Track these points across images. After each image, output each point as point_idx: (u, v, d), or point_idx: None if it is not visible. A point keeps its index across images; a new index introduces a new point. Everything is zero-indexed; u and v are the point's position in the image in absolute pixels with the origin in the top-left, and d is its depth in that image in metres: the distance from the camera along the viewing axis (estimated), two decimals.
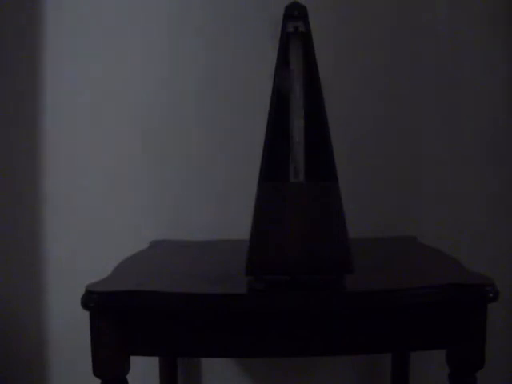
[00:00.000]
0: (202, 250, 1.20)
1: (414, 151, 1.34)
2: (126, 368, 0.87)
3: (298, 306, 0.84)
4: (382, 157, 1.33)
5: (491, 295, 0.84)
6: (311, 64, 0.85)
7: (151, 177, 1.33)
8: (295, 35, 0.85)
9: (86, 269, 1.18)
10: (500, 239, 1.35)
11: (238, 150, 1.32)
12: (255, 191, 0.86)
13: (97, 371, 0.85)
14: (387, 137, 1.33)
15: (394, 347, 0.95)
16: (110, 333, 0.85)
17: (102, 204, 1.33)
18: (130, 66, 1.32)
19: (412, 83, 1.33)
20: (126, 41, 1.32)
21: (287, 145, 0.86)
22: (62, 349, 1.35)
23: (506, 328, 1.34)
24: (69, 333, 1.32)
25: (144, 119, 1.33)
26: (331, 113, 0.88)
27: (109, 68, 1.32)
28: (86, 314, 0.85)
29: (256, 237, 0.86)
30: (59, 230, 1.34)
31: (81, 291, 0.85)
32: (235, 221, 1.28)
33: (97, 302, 0.84)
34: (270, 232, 0.86)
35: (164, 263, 1.10)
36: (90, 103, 1.32)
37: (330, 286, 0.88)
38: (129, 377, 0.87)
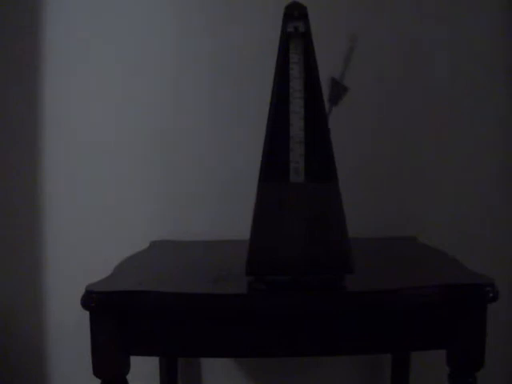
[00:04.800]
0: (202, 250, 1.20)
1: (414, 151, 1.34)
2: (125, 368, 0.87)
3: (298, 306, 0.84)
4: (381, 157, 1.33)
5: (491, 295, 0.84)
6: (311, 64, 0.85)
7: (151, 177, 1.34)
8: (295, 35, 0.85)
9: (86, 269, 1.18)
10: (500, 239, 1.35)
11: (238, 150, 1.32)
12: (255, 191, 0.86)
13: (97, 371, 0.85)
14: (387, 137, 1.33)
15: (394, 347, 0.95)
16: (110, 333, 0.85)
17: (102, 204, 1.33)
18: (135, 60, 1.33)
19: (413, 82, 1.33)
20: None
21: (287, 145, 0.86)
22: (61, 349, 1.35)
23: (506, 328, 1.34)
24: (69, 333, 1.32)
25: (145, 120, 1.33)
26: (331, 113, 0.88)
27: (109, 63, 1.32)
28: (86, 313, 0.85)
29: (256, 237, 0.86)
30: (59, 229, 1.34)
31: (81, 291, 0.85)
32: (235, 221, 1.29)
33: (97, 302, 0.84)
34: (270, 232, 0.86)
35: (164, 263, 1.10)
36: (90, 103, 1.33)
37: (330, 285, 0.88)
38: (129, 377, 0.87)
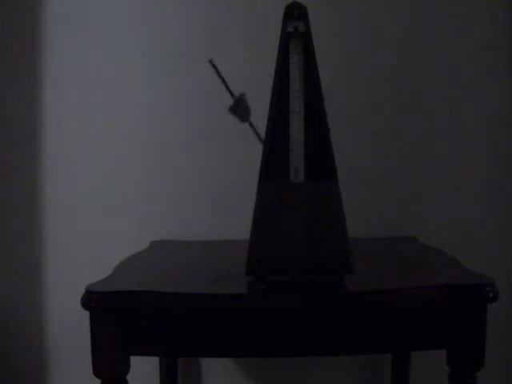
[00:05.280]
0: (201, 250, 1.20)
1: (414, 151, 1.34)
2: (125, 368, 0.87)
3: (298, 306, 0.84)
4: (381, 157, 1.33)
5: (491, 295, 0.84)
6: (311, 64, 0.85)
7: (151, 177, 1.34)
8: (295, 35, 0.85)
9: (86, 269, 1.18)
10: (500, 239, 1.35)
11: (237, 149, 1.32)
12: (255, 191, 0.86)
13: (97, 371, 0.85)
14: (387, 137, 1.33)
15: (394, 347, 0.95)
16: (110, 333, 0.85)
17: (102, 204, 1.33)
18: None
19: (413, 81, 1.33)
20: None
21: (287, 145, 0.86)
22: (61, 349, 1.35)
23: (506, 328, 1.34)
24: (69, 333, 1.32)
25: (145, 121, 1.33)
26: (331, 113, 0.88)
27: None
28: (86, 313, 0.85)
29: (256, 237, 0.86)
30: (59, 229, 1.34)
31: (81, 291, 0.85)
32: (235, 221, 1.28)
33: (97, 302, 0.84)
34: (269, 232, 0.86)
35: (164, 263, 1.10)
36: (90, 103, 1.33)
37: (330, 285, 0.88)
38: (129, 377, 0.87)
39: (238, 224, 1.21)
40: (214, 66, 0.90)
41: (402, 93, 1.33)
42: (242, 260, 0.87)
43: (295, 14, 0.85)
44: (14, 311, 1.34)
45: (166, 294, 0.85)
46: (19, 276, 1.34)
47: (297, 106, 0.86)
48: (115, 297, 0.85)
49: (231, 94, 0.91)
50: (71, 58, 1.32)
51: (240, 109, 0.91)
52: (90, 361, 0.85)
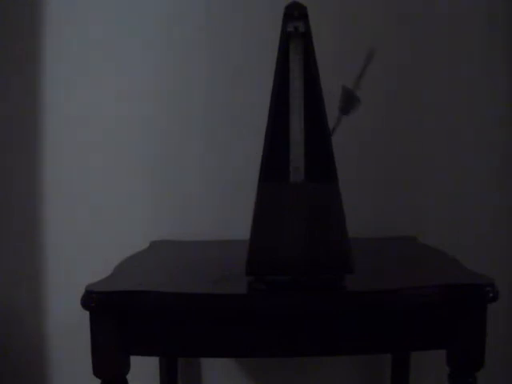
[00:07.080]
0: (202, 250, 1.20)
1: (414, 151, 1.34)
2: (125, 368, 0.87)
3: (298, 306, 0.84)
4: (381, 157, 1.33)
5: (491, 295, 0.84)
6: (311, 64, 0.85)
7: (151, 177, 1.33)
8: (295, 35, 0.85)
9: (86, 269, 1.18)
10: (500, 239, 1.35)
11: (237, 149, 1.32)
12: (255, 191, 0.86)
13: (97, 371, 0.85)
14: (387, 137, 1.33)
15: (394, 347, 0.95)
16: (110, 333, 0.85)
17: (102, 204, 1.33)
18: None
19: (412, 81, 1.33)
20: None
21: (287, 145, 0.86)
22: (61, 349, 1.35)
23: (506, 328, 1.34)
24: (69, 333, 1.32)
25: (145, 121, 1.33)
26: (331, 113, 0.88)
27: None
28: (86, 313, 0.85)
29: (256, 237, 0.86)
30: (59, 229, 1.34)
31: (81, 291, 0.85)
32: (235, 221, 1.28)
33: (97, 301, 0.84)
34: (269, 232, 0.86)
35: (164, 263, 1.10)
36: (89, 102, 1.33)
37: (330, 285, 0.88)
38: (129, 377, 0.87)
39: (238, 224, 1.21)
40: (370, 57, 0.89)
41: (401, 93, 1.33)
42: (242, 260, 0.87)
43: (295, 14, 0.85)
44: (14, 311, 1.34)
45: (166, 294, 0.85)
46: (19, 276, 1.34)
47: (297, 106, 0.86)
48: (115, 297, 0.85)
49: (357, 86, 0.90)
50: (71, 57, 1.32)
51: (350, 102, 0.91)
52: (90, 361, 0.85)
